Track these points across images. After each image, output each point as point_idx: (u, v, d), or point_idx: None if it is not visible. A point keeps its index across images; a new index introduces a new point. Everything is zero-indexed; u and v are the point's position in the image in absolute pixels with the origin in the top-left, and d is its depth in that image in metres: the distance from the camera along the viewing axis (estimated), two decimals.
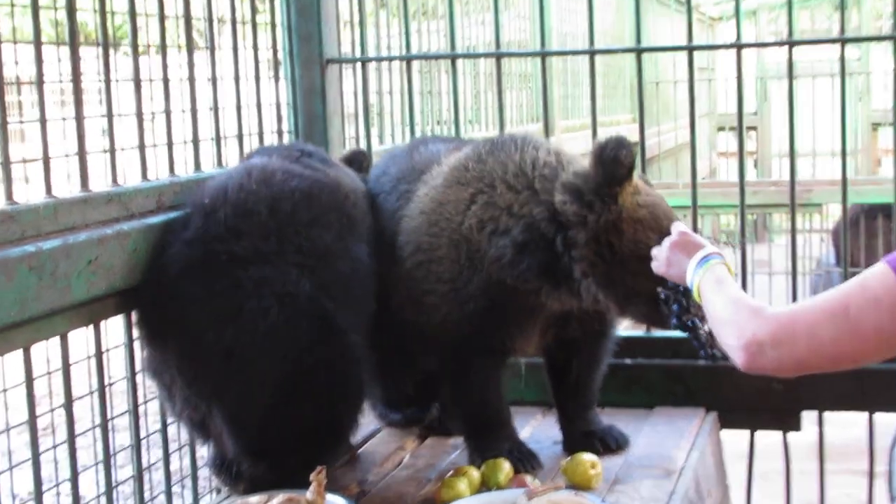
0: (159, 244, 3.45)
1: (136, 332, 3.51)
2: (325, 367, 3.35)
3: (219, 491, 4.00)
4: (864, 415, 4.42)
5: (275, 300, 3.28)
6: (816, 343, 2.69)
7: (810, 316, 2.73)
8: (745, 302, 2.83)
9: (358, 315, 3.55)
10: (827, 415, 4.56)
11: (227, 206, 3.44)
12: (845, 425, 6.14)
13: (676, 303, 3.25)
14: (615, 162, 3.39)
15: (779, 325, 2.72)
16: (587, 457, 3.57)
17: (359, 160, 4.07)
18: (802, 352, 2.71)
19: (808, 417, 4.43)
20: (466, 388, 3.72)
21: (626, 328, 4.14)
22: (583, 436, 3.86)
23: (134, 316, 3.48)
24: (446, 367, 3.73)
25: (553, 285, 3.53)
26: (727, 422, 4.36)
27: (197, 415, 3.40)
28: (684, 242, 3.17)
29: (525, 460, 3.68)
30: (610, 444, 3.85)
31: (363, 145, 4.82)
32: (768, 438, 4.56)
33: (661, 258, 3.22)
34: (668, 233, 3.31)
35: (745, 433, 4.56)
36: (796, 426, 4.39)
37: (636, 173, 3.52)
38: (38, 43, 3.22)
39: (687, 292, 3.15)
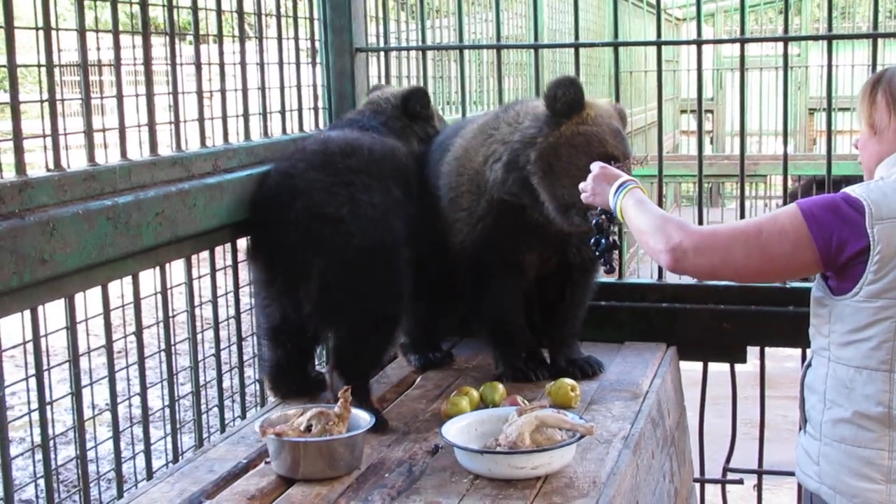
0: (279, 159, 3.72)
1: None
2: (393, 267, 3.48)
3: (262, 404, 4.01)
4: (798, 350, 4.41)
5: (379, 200, 3.47)
6: (731, 256, 2.76)
7: (729, 234, 2.80)
8: (671, 217, 2.89)
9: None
10: (767, 350, 4.55)
11: (338, 140, 3.69)
12: (782, 359, 6.16)
13: (599, 226, 3.25)
14: (554, 98, 3.51)
15: (702, 237, 2.78)
16: (568, 381, 3.57)
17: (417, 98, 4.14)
18: (718, 262, 2.77)
19: (752, 352, 4.42)
20: (484, 300, 3.79)
21: (602, 277, 4.11)
22: (566, 364, 3.86)
23: (257, 197, 3.60)
24: (468, 284, 3.81)
25: (533, 198, 3.56)
26: (684, 354, 4.35)
27: (296, 266, 3.43)
28: (604, 174, 3.15)
29: (537, 369, 3.77)
30: (587, 371, 3.85)
31: None
32: (718, 368, 4.55)
33: (587, 190, 3.20)
34: (596, 157, 3.35)
35: (699, 364, 4.55)
36: (742, 359, 4.38)
37: (592, 104, 3.60)
38: (116, 32, 3.22)
39: (612, 215, 3.14)
